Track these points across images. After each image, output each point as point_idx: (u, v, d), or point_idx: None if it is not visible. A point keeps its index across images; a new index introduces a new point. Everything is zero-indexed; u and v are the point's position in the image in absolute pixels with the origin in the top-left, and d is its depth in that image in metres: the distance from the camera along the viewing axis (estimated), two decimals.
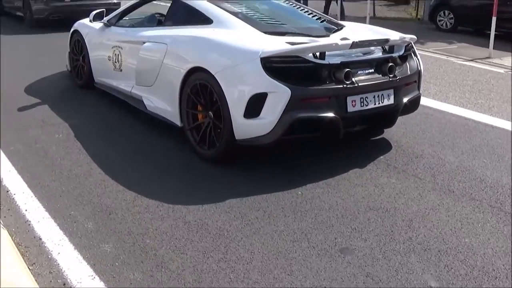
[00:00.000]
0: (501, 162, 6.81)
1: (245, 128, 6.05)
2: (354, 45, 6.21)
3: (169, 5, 8.04)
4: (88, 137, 7.28)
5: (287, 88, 5.83)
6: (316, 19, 7.80)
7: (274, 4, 8.29)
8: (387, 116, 6.79)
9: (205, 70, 6.32)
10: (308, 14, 7.99)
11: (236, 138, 6.13)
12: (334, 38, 6.70)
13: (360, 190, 5.91)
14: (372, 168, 6.48)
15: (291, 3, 8.52)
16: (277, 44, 6.20)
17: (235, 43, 6.38)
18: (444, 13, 19.49)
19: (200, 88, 6.45)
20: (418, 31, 16.89)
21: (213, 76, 6.19)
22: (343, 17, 19.09)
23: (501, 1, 14.71)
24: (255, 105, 5.92)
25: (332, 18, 8.28)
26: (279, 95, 5.85)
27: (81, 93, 9.28)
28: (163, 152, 6.86)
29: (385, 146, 7.16)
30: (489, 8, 15.23)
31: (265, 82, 5.87)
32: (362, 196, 5.78)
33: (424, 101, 7.58)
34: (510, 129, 8.08)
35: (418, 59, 7.19)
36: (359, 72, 6.37)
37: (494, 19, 14.44)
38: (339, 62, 6.16)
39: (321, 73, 6.09)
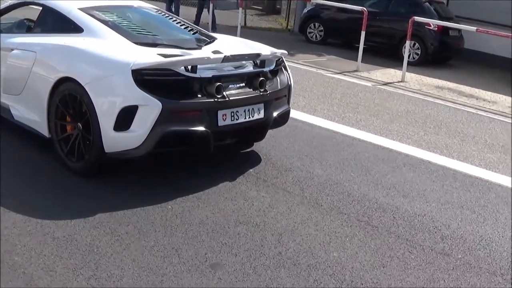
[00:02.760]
0: (368, 176, 7.02)
1: (115, 141, 5.97)
2: (226, 59, 6.25)
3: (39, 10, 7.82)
4: None
5: (158, 101, 5.80)
6: (188, 31, 7.80)
7: (146, 14, 8.20)
8: (257, 130, 6.88)
9: (75, 81, 6.18)
10: (180, 25, 7.98)
11: (106, 151, 6.03)
12: (206, 52, 6.71)
13: (229, 204, 5.94)
14: (242, 182, 6.52)
15: (162, 13, 8.48)
16: (149, 56, 6.16)
17: (105, 54, 6.28)
18: (314, 25, 19.91)
19: (69, 99, 6.30)
20: (288, 43, 17.32)
21: (83, 87, 6.06)
22: (214, 26, 19.13)
23: (369, 16, 15.15)
24: (125, 118, 5.85)
25: (203, 30, 8.28)
26: (149, 108, 5.81)
27: None
28: (30, 164, 6.64)
29: (255, 159, 7.23)
30: (358, 22, 15.68)
31: (135, 95, 5.81)
32: (232, 210, 5.81)
33: (293, 113, 7.70)
34: (376, 143, 8.36)
35: (288, 73, 7.32)
36: (230, 86, 6.42)
37: (363, 34, 14.87)
38: (210, 76, 6.18)
39: (192, 87, 6.10)
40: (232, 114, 6.34)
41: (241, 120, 6.44)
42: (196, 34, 7.74)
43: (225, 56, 6.24)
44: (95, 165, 6.26)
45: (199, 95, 6.13)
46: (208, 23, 19.08)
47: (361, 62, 15.00)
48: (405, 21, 15.11)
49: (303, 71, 13.93)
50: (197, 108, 6.11)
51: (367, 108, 10.62)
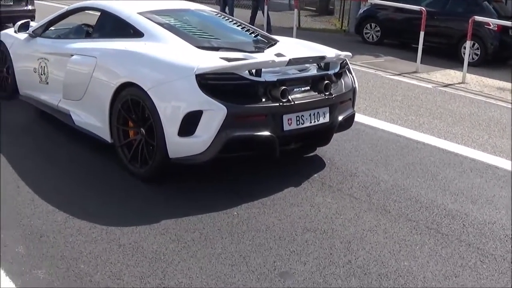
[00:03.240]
0: (435, 181, 6.83)
1: (179, 146, 5.90)
2: (291, 62, 6.14)
3: (97, 15, 7.80)
4: (14, 154, 6.93)
5: (223, 106, 5.72)
6: (250, 33, 7.69)
7: (204, 17, 8.13)
8: (323, 134, 6.75)
9: (137, 86, 6.13)
10: (240, 28, 7.88)
11: (170, 156, 5.97)
12: (270, 55, 6.61)
13: (296, 210, 5.82)
14: (307, 187, 6.40)
15: (220, 15, 8.42)
16: (212, 60, 6.08)
17: (168, 58, 6.22)
18: (370, 26, 19.66)
19: (131, 104, 6.26)
20: (344, 44, 17.12)
21: (146, 92, 6.01)
22: (269, 28, 19.03)
23: (427, 16, 14.90)
24: (189, 123, 5.78)
25: (264, 32, 8.18)
26: (214, 113, 5.73)
27: (4, 106, 8.91)
28: (93, 170, 6.61)
29: (319, 164, 7.10)
30: (415, 22, 15.47)
31: (200, 100, 5.74)
32: (299, 216, 5.69)
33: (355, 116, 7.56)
34: (440, 147, 8.16)
35: (353, 76, 7.19)
36: (295, 89, 6.31)
37: (422, 34, 14.59)
38: (275, 79, 6.08)
39: (257, 91, 6.01)
40: (298, 118, 6.22)
41: (307, 124, 6.32)
42: (257, 37, 7.62)
43: (290, 59, 6.12)
44: (159, 170, 6.20)
45: (264, 99, 6.02)
46: (262, 25, 18.98)
47: (420, 63, 14.70)
48: (464, 21, 14.85)
49: (361, 72, 13.69)
50: (262, 112, 6.00)
51: (429, 110, 10.39)
